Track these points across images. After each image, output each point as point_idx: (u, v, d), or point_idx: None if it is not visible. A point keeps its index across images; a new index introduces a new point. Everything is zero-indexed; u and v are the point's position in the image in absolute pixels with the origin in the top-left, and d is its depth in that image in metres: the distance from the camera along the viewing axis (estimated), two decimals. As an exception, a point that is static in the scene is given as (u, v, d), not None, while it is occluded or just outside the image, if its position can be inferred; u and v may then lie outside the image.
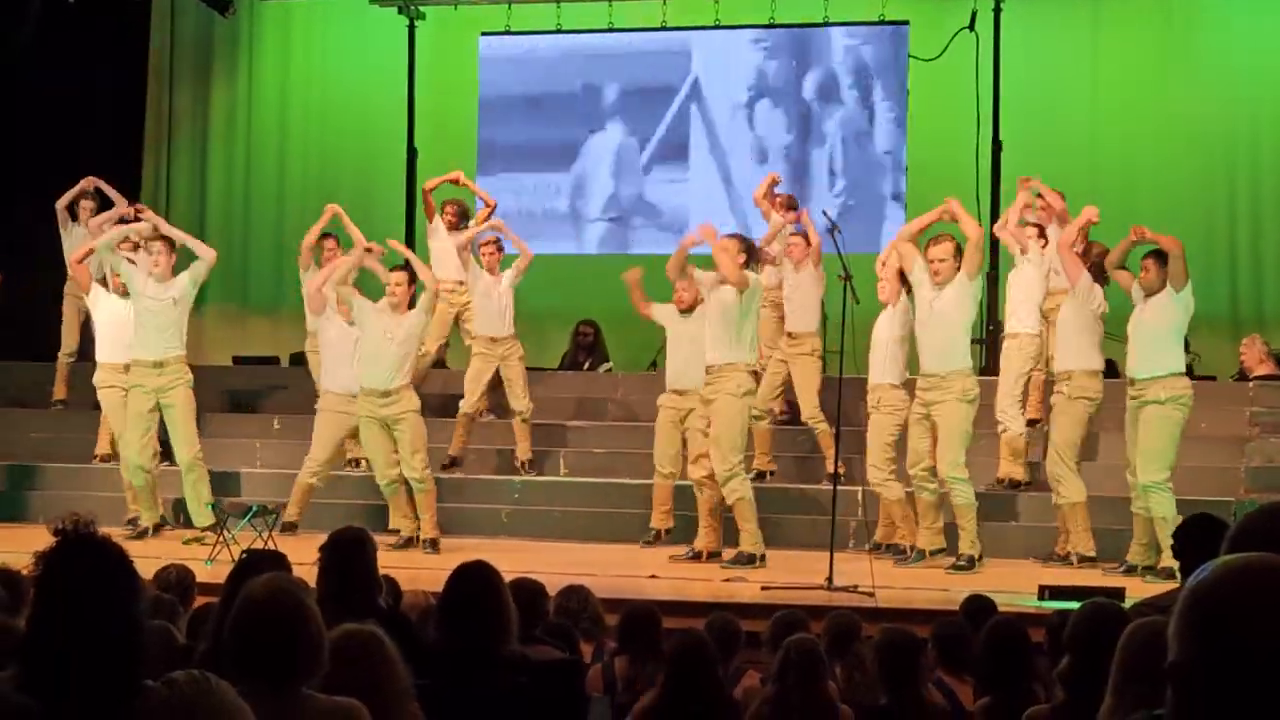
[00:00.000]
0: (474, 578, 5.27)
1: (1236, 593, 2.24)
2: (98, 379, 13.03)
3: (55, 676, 3.00)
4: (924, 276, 11.27)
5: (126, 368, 12.55)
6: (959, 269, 11.21)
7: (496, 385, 13.74)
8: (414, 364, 12.42)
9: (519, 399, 13.55)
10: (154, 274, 12.36)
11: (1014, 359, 12.34)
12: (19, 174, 16.19)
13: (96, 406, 13.48)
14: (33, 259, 15.20)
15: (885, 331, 11.65)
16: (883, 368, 11.64)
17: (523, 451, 13.67)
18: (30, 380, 15.11)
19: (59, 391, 14.86)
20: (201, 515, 12.38)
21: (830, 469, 12.74)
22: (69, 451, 14.13)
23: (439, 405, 13.98)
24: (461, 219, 14.47)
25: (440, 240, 14.34)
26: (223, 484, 13.26)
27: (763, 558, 11.30)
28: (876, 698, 5.94)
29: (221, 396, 14.98)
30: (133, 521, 12.51)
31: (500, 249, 13.72)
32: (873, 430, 11.70)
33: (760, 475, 12.94)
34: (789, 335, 13.23)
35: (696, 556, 11.58)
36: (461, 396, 13.60)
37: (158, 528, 12.57)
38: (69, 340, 14.68)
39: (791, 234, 13.36)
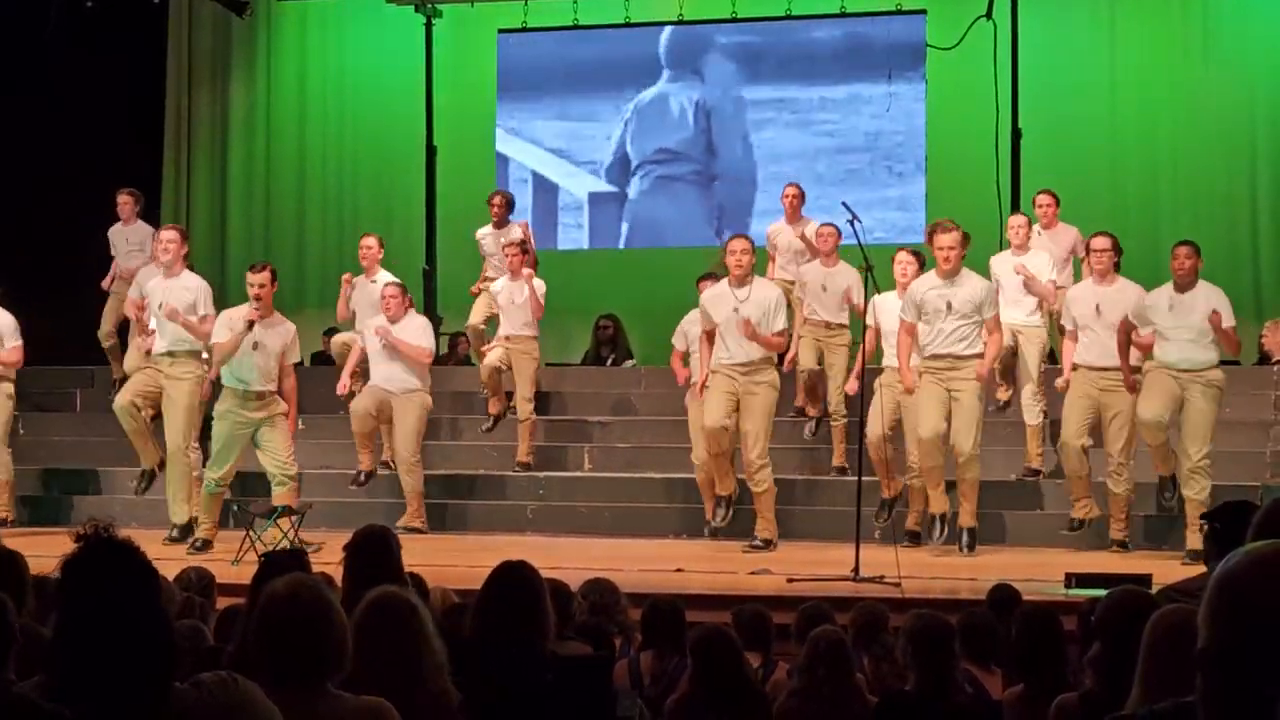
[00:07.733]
0: (515, 576, 5.31)
1: (1264, 579, 2.24)
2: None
3: (80, 682, 3.00)
4: (923, 300, 11.21)
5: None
6: (963, 258, 11.21)
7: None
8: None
9: (520, 398, 13.45)
10: (163, 261, 12.14)
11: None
12: (39, 177, 16.19)
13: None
14: (52, 262, 15.22)
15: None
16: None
17: (520, 453, 13.53)
18: (51, 385, 15.09)
19: (115, 371, 14.43)
20: (177, 510, 11.99)
21: (837, 463, 12.96)
22: (95, 455, 14.14)
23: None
24: (509, 209, 14.47)
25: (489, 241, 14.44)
26: (248, 485, 13.26)
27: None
28: (904, 684, 5.92)
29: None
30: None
31: (524, 251, 13.65)
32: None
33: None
34: (826, 325, 13.09)
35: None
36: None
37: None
38: (106, 324, 14.49)
39: (822, 225, 13.32)
